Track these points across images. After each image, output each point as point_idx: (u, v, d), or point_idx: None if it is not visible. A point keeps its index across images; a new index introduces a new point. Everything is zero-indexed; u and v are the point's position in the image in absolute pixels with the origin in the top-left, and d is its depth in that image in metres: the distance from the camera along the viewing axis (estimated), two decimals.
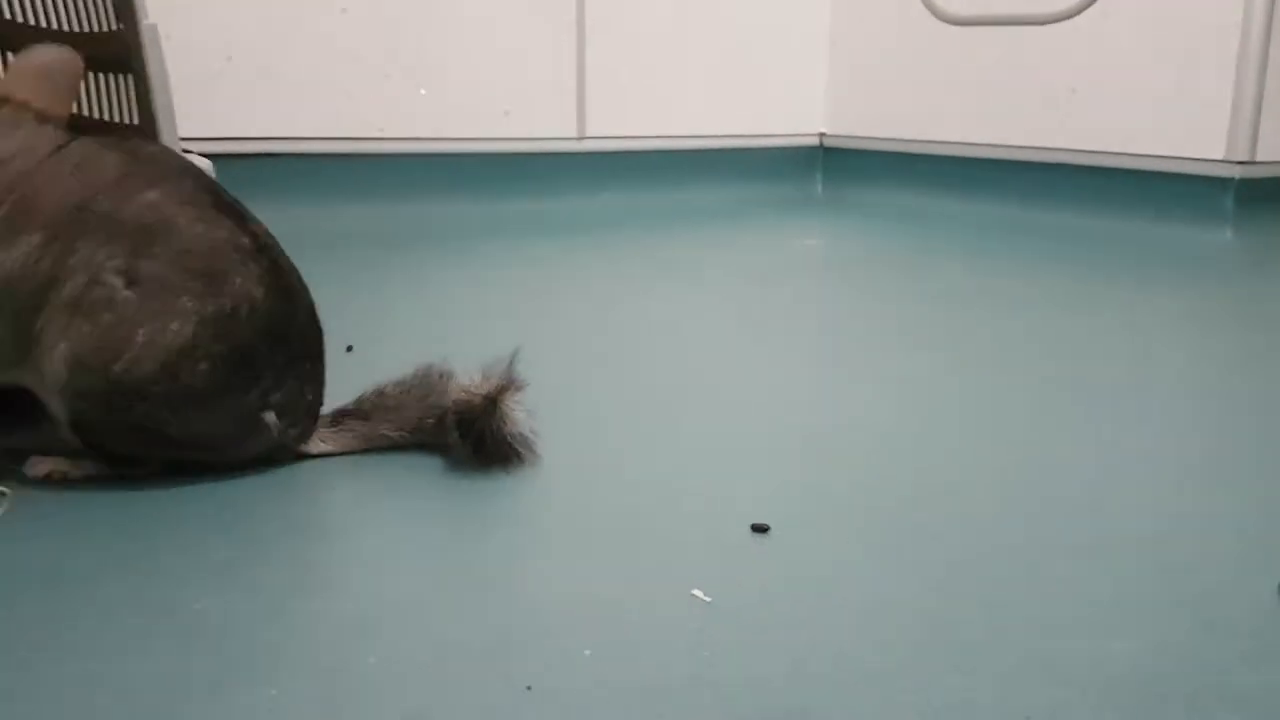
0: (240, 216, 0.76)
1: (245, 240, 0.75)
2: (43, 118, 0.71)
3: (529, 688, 0.52)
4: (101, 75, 1.03)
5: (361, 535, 0.69)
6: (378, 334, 1.19)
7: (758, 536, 0.69)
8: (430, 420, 0.80)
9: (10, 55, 1.22)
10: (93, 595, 0.60)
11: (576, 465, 0.82)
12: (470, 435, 0.79)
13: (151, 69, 0.92)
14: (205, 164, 0.96)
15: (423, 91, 1.92)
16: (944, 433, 0.92)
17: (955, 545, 0.69)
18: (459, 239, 1.81)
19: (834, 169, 2.51)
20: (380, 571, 0.64)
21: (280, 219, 1.86)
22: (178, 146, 0.95)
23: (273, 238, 0.78)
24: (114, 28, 0.96)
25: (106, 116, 1.03)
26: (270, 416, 0.75)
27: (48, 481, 0.74)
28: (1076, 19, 2.03)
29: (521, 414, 0.79)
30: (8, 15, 1.16)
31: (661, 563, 0.66)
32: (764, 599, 0.61)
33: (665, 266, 1.65)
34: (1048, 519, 0.74)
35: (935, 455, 0.86)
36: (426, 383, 0.82)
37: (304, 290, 0.78)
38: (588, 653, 0.55)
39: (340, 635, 0.56)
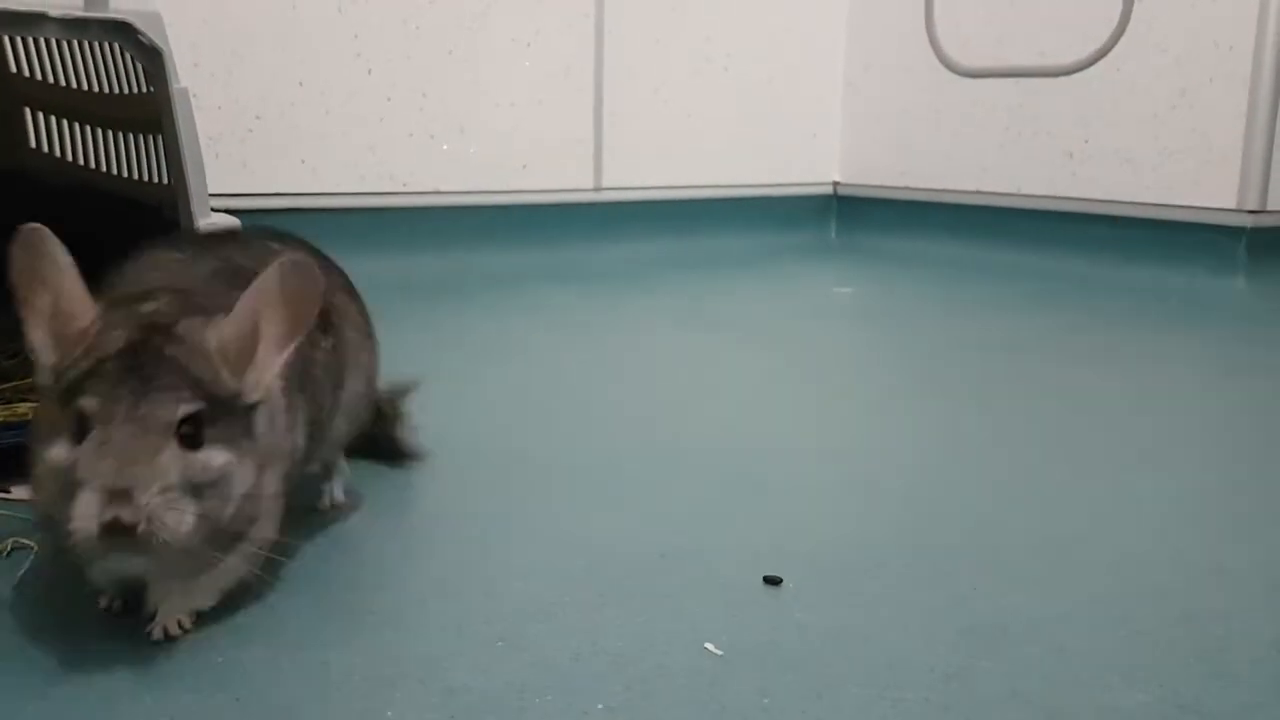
0: None
1: None
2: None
3: None
4: (133, 136, 1.06)
5: (376, 588, 0.71)
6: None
7: (771, 588, 0.71)
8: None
9: (42, 116, 1.26)
10: (120, 643, 0.61)
11: (589, 514, 0.83)
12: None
13: (182, 130, 0.95)
14: (232, 221, 0.99)
15: (445, 147, 1.96)
16: (959, 483, 0.93)
17: (969, 598, 0.70)
18: (480, 289, 1.84)
19: (848, 217, 2.53)
20: (395, 625, 0.65)
21: None
22: (207, 204, 0.97)
23: None
24: (145, 90, 0.99)
25: (137, 176, 1.06)
26: None
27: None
28: (1088, 71, 2.05)
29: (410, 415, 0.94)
30: (40, 77, 1.20)
31: (674, 615, 0.67)
32: (777, 653, 0.62)
33: (684, 312, 1.67)
34: (1062, 569, 0.75)
35: (950, 506, 0.87)
36: None
37: None
38: (600, 706, 0.56)
39: (357, 689, 0.58)
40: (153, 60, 0.91)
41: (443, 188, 1.97)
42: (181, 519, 0.56)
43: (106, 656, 0.60)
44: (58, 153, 1.24)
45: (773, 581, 0.71)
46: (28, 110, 1.27)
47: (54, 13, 0.86)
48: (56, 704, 0.56)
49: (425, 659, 0.61)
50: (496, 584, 0.71)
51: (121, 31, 0.89)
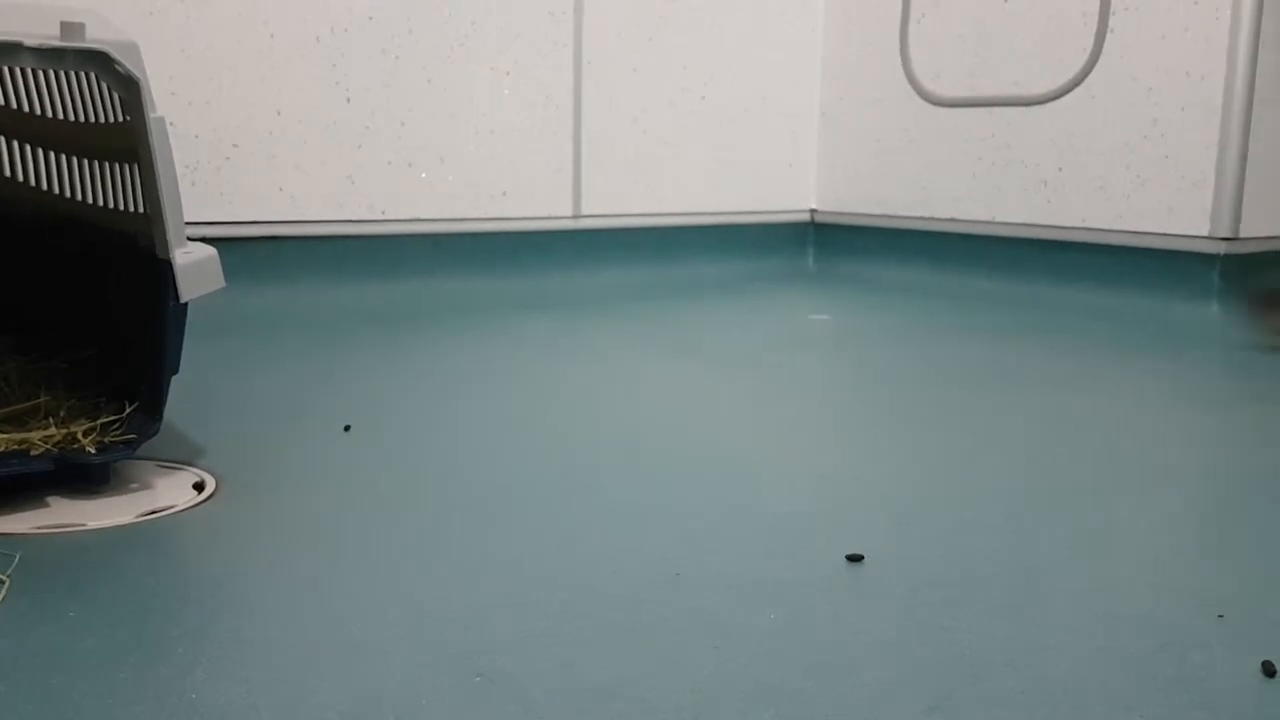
0: None
1: None
2: None
3: None
4: (109, 165, 1.06)
5: (352, 622, 0.70)
6: (377, 413, 1.20)
7: (757, 620, 0.70)
8: None
9: (17, 145, 1.25)
10: (94, 681, 0.60)
11: (568, 545, 0.83)
12: None
13: (158, 159, 0.94)
14: (209, 251, 0.99)
15: (423, 175, 1.96)
16: (936, 511, 0.93)
17: (950, 627, 0.70)
18: (459, 317, 1.83)
19: (825, 244, 2.54)
20: (371, 661, 0.65)
21: (285, 299, 1.89)
22: (184, 233, 0.97)
23: None
24: (121, 119, 0.99)
25: (113, 205, 1.05)
26: None
27: None
28: (1062, 100, 2.08)
29: None
30: (14, 105, 1.20)
31: (656, 648, 0.66)
32: (760, 686, 0.62)
33: (662, 339, 1.67)
34: (1042, 598, 0.75)
35: (928, 533, 0.87)
36: None
37: None
38: None
39: None
40: (129, 89, 0.90)
41: (421, 216, 1.97)
42: None
43: (80, 692, 0.59)
44: (33, 181, 1.23)
45: (855, 559, 0.80)
46: (2, 139, 1.27)
47: (29, 42, 0.86)
48: None
49: (402, 695, 0.60)
50: (475, 618, 0.71)
51: (98, 61, 0.89)
